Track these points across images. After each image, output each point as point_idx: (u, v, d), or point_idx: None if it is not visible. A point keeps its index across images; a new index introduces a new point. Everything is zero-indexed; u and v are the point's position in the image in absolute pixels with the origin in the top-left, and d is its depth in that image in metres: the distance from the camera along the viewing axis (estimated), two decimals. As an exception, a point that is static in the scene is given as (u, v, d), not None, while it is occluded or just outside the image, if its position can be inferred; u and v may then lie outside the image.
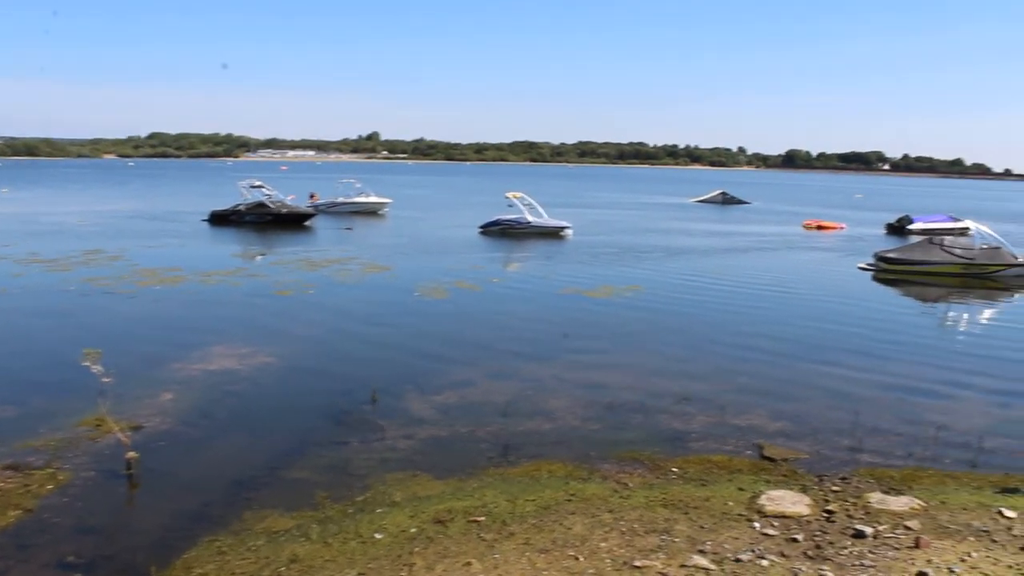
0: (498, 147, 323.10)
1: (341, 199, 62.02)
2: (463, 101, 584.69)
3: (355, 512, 10.21)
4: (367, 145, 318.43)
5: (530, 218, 47.58)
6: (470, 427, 13.82)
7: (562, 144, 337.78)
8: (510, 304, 25.93)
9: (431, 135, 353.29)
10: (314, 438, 13.29)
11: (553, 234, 47.14)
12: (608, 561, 8.67)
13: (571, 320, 23.44)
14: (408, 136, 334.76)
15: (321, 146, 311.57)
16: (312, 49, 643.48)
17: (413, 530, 9.55)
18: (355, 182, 65.74)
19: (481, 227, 47.37)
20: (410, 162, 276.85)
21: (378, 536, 9.38)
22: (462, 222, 53.03)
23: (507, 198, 48.53)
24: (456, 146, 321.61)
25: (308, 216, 50.93)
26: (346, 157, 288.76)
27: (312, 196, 62.23)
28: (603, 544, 9.13)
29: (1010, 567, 8.78)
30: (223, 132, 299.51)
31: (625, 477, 11.64)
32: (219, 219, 49.78)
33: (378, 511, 10.21)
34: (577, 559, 8.73)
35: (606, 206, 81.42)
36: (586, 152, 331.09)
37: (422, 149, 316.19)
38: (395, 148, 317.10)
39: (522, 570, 8.50)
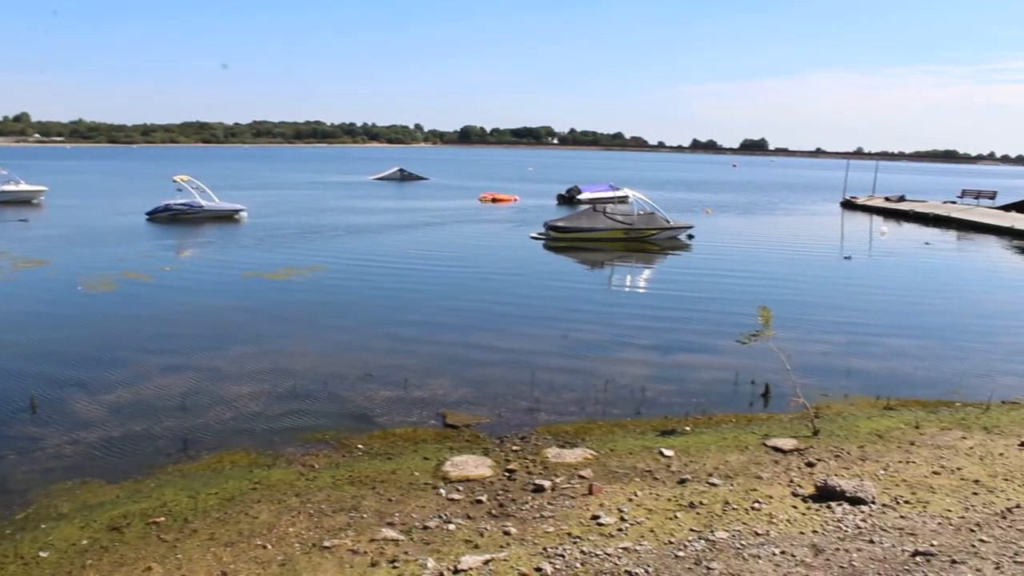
0: (167, 128, 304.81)
1: None
2: (126, 80, 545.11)
3: (15, 532, 9.30)
4: (15, 127, 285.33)
5: (202, 202, 45.51)
6: (145, 425, 13.04)
7: (236, 124, 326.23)
8: (185, 292, 24.73)
9: (91, 116, 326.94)
10: (-41, 458, 11.93)
11: (227, 217, 45.42)
12: (297, 545, 8.59)
13: (251, 304, 22.79)
14: (65, 117, 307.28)
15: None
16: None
17: (85, 542, 8.89)
18: None
19: (148, 213, 44.36)
20: (68, 145, 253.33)
21: (44, 554, 8.63)
22: (128, 209, 49.51)
23: (175, 182, 46.09)
24: (121, 128, 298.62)
25: None
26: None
27: None
28: (291, 529, 9.02)
29: (669, 499, 9.69)
30: None
31: (311, 459, 11.55)
32: None
33: (43, 527, 9.38)
34: (265, 547, 8.56)
35: (284, 187, 79.70)
36: (262, 132, 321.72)
37: (81, 131, 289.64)
38: (49, 130, 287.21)
39: (207, 567, 8.20)
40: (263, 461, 11.51)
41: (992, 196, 66.03)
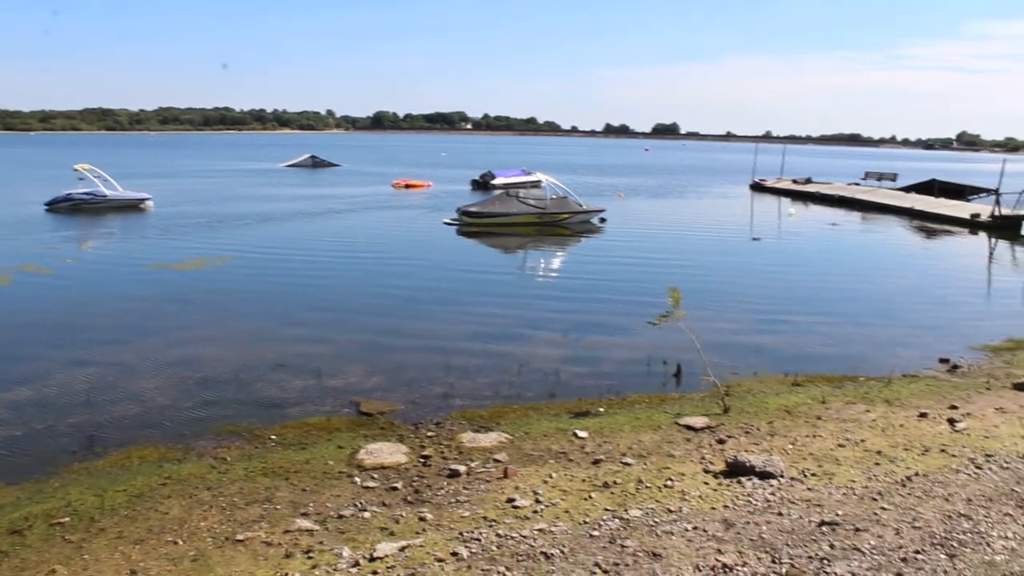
0: (68, 115, 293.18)
1: None
2: (22, 65, 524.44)
3: (-93, 538, 8.93)
4: None
5: (105, 192, 44.13)
6: (48, 422, 12.61)
7: (141, 111, 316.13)
8: (89, 285, 23.97)
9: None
10: None
11: (132, 207, 44.14)
12: (209, 540, 8.42)
13: (158, 296, 22.19)
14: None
15: None
16: None
17: (-17, 546, 8.58)
18: None
19: (48, 203, 42.64)
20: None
21: (-62, 560, 8.32)
22: (26, 199, 47.56)
23: (76, 170, 44.56)
24: (16, 114, 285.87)
25: None
26: None
27: None
28: (203, 523, 8.84)
29: (584, 480, 9.79)
30: None
31: (223, 451, 11.34)
32: None
33: (-62, 531, 9.03)
34: (176, 543, 8.37)
35: (192, 175, 77.83)
36: (168, 119, 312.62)
37: None
38: None
39: (116, 566, 7.98)
40: (173, 455, 11.25)
41: (893, 178, 68.21)
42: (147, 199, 45.08)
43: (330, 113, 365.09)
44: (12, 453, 11.53)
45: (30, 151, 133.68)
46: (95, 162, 48.30)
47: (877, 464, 10.15)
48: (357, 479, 10.12)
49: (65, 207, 42.34)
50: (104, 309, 20.67)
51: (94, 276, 25.61)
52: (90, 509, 9.34)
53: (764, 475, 9.60)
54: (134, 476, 10.38)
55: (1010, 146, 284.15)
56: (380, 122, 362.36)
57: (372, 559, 7.67)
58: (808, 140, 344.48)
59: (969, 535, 7.82)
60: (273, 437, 11.93)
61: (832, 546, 7.62)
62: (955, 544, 7.61)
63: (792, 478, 9.68)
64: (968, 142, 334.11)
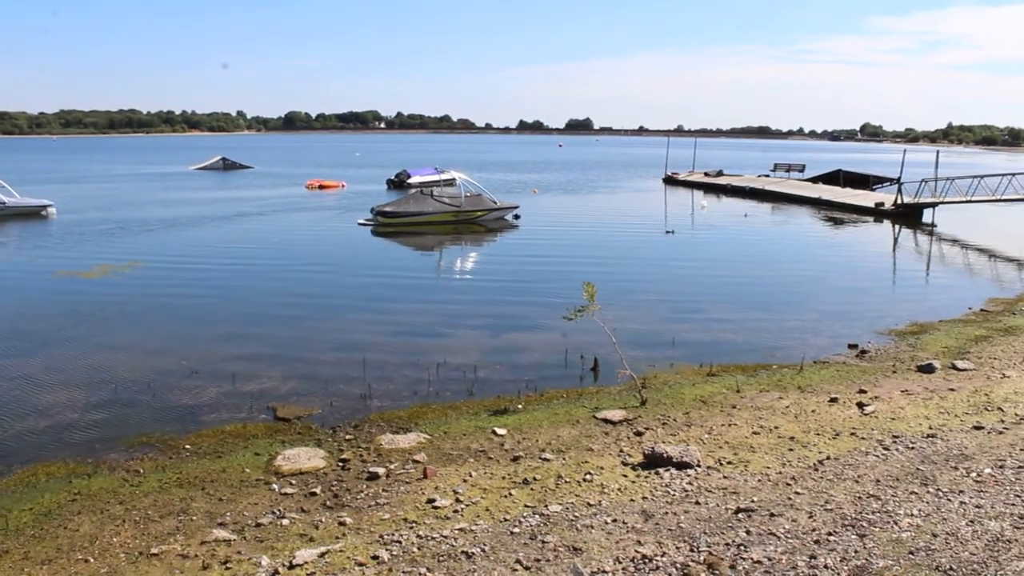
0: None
1: None
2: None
3: None
4: None
5: (3, 198, 42.54)
6: (-52, 441, 12.15)
7: (42, 114, 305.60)
8: (-11, 296, 23.14)
9: None
10: None
11: (34, 214, 42.66)
12: (123, 555, 8.19)
13: (64, 305, 21.47)
14: None
15: None
16: None
17: None
18: None
19: None
20: None
21: None
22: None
23: None
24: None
25: None
26: None
27: None
28: (116, 539, 8.60)
29: (504, 478, 9.81)
30: None
31: (135, 464, 11.04)
32: None
33: None
34: (87, 561, 8.12)
35: (97, 179, 75.56)
36: (71, 122, 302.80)
37: None
38: None
39: (23, 587, 7.73)
40: (83, 470, 10.90)
41: (801, 169, 70.09)
42: (49, 206, 43.56)
43: (241, 114, 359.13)
44: (-91, 474, 11.04)
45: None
46: (-7, 168, 46.62)
47: (791, 450, 10.40)
48: (275, 486, 9.96)
49: None
50: (7, 320, 19.91)
51: (-5, 287, 24.69)
52: (-6, 530, 9.00)
53: (681, 465, 9.75)
54: (41, 494, 10.03)
55: (910, 137, 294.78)
56: (292, 122, 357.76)
57: (292, 567, 7.57)
58: (718, 133, 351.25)
59: (878, 515, 8.07)
60: (188, 446, 11.66)
61: (748, 532, 7.78)
62: (865, 524, 7.84)
63: (709, 467, 9.85)
64: (871, 133, 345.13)
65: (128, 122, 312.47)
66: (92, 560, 8.13)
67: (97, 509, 9.44)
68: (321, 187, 63.21)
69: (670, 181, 70.79)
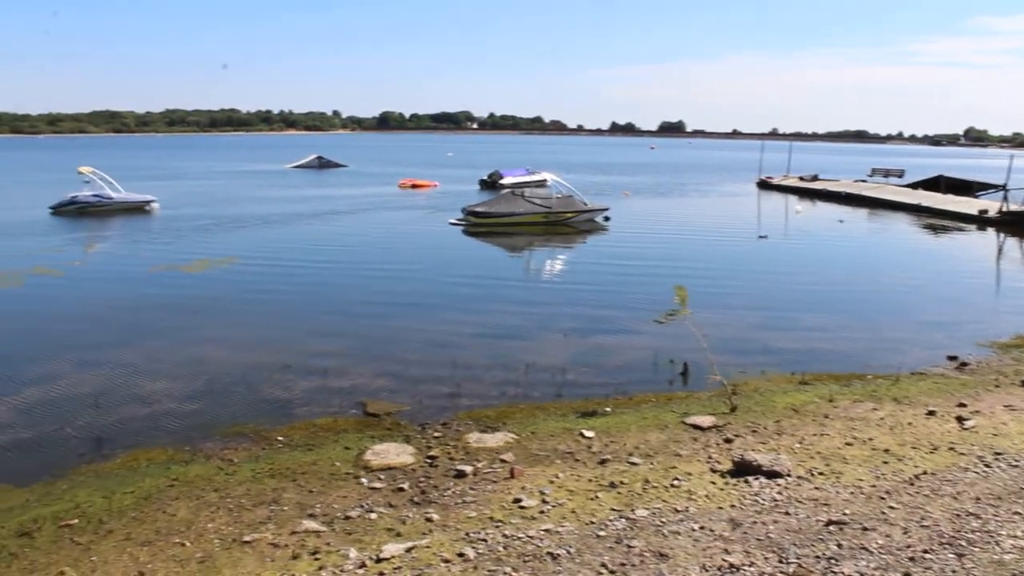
0: (76, 118, 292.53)
1: None
2: (31, 68, 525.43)
3: (-83, 540, 8.96)
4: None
5: (111, 194, 44.17)
6: (57, 425, 12.65)
7: (148, 113, 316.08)
8: (96, 287, 24.06)
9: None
10: None
11: (138, 209, 44.19)
12: (216, 541, 8.44)
13: (165, 298, 22.24)
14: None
15: None
16: None
17: (-8, 548, 8.61)
18: None
19: (53, 207, 42.50)
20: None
21: (-52, 562, 8.35)
22: (33, 202, 47.49)
23: (81, 173, 44.56)
24: (24, 117, 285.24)
25: None
26: None
27: None
28: (210, 525, 8.86)
29: (590, 480, 9.78)
30: None
31: (230, 453, 11.36)
32: None
33: (-54, 534, 9.06)
34: (184, 545, 8.39)
35: (198, 176, 77.94)
36: (175, 121, 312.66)
37: None
38: None
39: (124, 568, 8.01)
40: (180, 457, 11.27)
41: (900, 174, 67.99)
42: (152, 201, 45.11)
43: (336, 114, 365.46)
44: (21, 455, 11.57)
45: (37, 154, 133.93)
46: (102, 164, 48.44)
47: (885, 463, 10.12)
48: (364, 480, 10.12)
49: (71, 210, 42.28)
50: (111, 311, 20.71)
51: (102, 278, 25.69)
52: (98, 511, 9.37)
53: (771, 474, 9.58)
54: (142, 478, 10.41)
55: (1017, 141, 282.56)
56: (386, 122, 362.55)
57: (379, 560, 7.68)
58: (814, 137, 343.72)
59: (978, 534, 7.80)
60: (280, 438, 11.94)
61: (840, 545, 7.60)
62: (964, 543, 7.59)
63: (799, 477, 9.66)
64: (975, 138, 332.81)
65: (228, 121, 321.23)
66: (188, 544, 8.39)
67: (193, 495, 9.74)
68: (414, 186, 63.95)
69: (764, 185, 69.55)
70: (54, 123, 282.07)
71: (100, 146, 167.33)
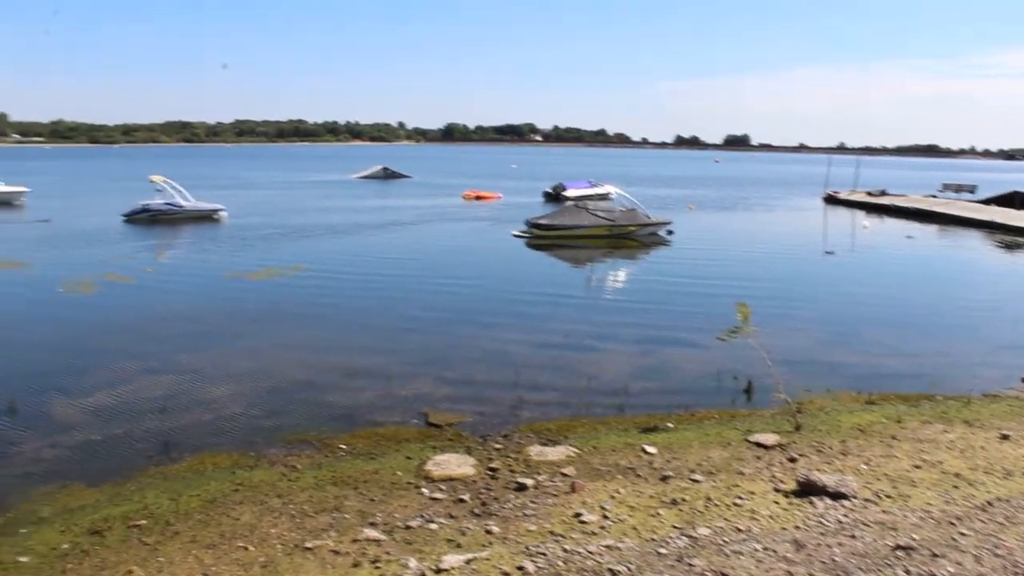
0: (149, 128, 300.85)
1: None
2: (107, 80, 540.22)
3: (-6, 536, 9.24)
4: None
5: (182, 202, 45.16)
6: (126, 427, 12.97)
7: (218, 123, 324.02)
8: (166, 294, 24.56)
9: (71, 116, 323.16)
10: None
11: (207, 218, 45.11)
12: (279, 546, 8.56)
13: (232, 305, 22.68)
14: (44, 117, 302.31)
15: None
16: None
17: (65, 546, 8.83)
18: None
19: (125, 215, 43.62)
20: (48, 146, 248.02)
21: (23, 559, 8.57)
22: (107, 210, 48.73)
23: (152, 182, 45.61)
24: (102, 128, 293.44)
25: None
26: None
27: None
28: (273, 530, 8.99)
29: (652, 496, 9.70)
30: None
31: (293, 460, 11.51)
32: None
33: (22, 531, 9.31)
34: (247, 549, 8.52)
35: (266, 186, 79.38)
36: (244, 131, 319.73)
37: (61, 132, 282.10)
38: (29, 131, 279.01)
39: (189, 569, 8.17)
40: (245, 462, 11.45)
41: (972, 190, 66.45)
42: (221, 210, 46.02)
43: (401, 125, 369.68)
44: (92, 456, 11.87)
45: (112, 163, 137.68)
46: (173, 173, 49.55)
47: (955, 487, 9.86)
48: (425, 490, 10.17)
49: (143, 218, 43.32)
50: (180, 318, 21.14)
51: (172, 285, 26.23)
52: (165, 513, 9.57)
53: (836, 495, 9.40)
54: (207, 481, 10.61)
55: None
56: (451, 134, 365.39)
57: (438, 571, 7.70)
58: (883, 151, 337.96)
59: (1053, 564, 7.55)
60: (343, 446, 12.06)
61: (907, 571, 7.41)
62: (1038, 572, 7.35)
63: (866, 499, 9.45)
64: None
65: (295, 131, 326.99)
66: (251, 548, 8.52)
67: (257, 500, 9.89)
68: (478, 198, 64.27)
69: (830, 200, 68.44)
70: (128, 133, 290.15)
71: (171, 155, 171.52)
